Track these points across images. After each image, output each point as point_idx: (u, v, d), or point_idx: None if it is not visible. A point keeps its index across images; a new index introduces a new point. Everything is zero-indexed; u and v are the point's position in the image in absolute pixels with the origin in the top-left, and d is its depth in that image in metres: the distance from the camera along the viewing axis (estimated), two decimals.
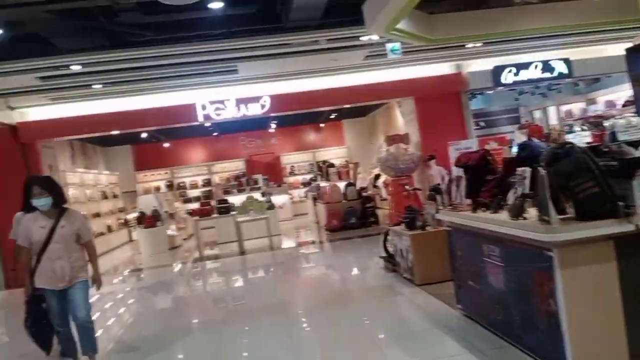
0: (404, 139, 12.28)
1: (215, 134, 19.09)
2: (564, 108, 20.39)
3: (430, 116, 12.09)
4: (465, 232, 4.75)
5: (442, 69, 11.99)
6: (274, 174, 19.95)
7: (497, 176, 4.64)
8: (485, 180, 4.67)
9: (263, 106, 11.60)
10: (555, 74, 11.85)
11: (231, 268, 10.44)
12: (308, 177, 20.04)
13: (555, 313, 3.36)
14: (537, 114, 21.36)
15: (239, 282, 9.15)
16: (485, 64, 11.93)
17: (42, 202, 4.37)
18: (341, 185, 13.50)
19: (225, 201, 12.22)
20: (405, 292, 6.29)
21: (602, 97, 19.12)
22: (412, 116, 12.66)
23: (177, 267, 11.43)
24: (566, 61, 11.86)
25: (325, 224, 13.03)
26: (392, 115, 17.02)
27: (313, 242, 12.59)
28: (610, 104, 18.41)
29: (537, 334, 3.64)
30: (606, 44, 11.90)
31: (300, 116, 19.26)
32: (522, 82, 11.90)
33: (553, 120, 20.34)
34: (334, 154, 20.29)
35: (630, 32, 11.26)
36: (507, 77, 11.81)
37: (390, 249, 7.45)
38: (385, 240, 7.71)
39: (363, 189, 14.95)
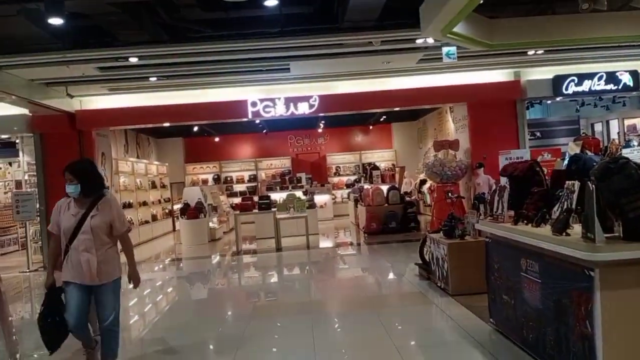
0: (452, 145, 11.95)
1: (264, 131, 19.26)
2: (628, 122, 19.44)
3: (483, 123, 11.72)
4: (504, 245, 4.50)
5: (498, 76, 11.60)
6: (319, 174, 19.94)
7: (544, 189, 4.38)
8: (531, 192, 4.42)
9: (312, 106, 11.58)
10: (621, 86, 11.21)
11: (266, 264, 10.46)
12: (352, 178, 19.90)
13: (591, 336, 3.11)
14: (598, 127, 20.40)
15: (272, 278, 9.14)
16: (545, 73, 11.46)
17: (71, 189, 4.08)
18: (384, 188, 13.29)
19: (267, 197, 12.27)
20: (438, 301, 6.07)
21: None
22: (463, 122, 12.32)
23: (215, 259, 11.57)
24: (633, 73, 11.21)
25: (364, 227, 12.87)
26: (443, 121, 16.64)
27: (350, 244, 12.46)
28: None
29: (570, 356, 3.39)
30: None
31: (349, 117, 19.19)
32: (584, 93, 11.34)
33: (615, 134, 19.39)
34: (381, 157, 20.06)
35: None
36: (569, 87, 11.28)
37: (427, 257, 7.23)
38: (422, 246, 7.49)
39: (407, 193, 14.70)
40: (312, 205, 13.83)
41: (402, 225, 12.69)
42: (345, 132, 20.62)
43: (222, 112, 11.96)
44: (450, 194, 8.20)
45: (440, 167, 11.57)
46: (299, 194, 14.42)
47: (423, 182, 17.60)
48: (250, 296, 7.74)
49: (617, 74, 11.20)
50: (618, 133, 18.11)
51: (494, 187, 11.51)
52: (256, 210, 11.94)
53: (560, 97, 11.76)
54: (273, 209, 11.91)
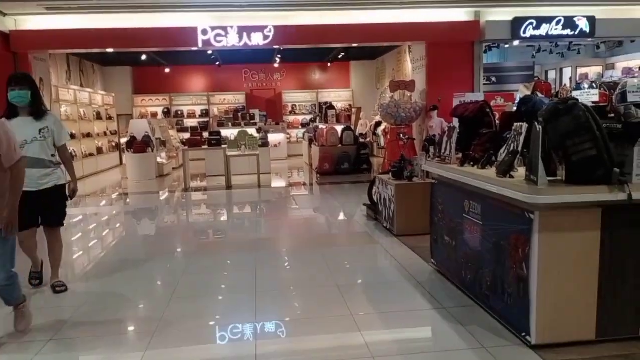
0: (409, 86, 11.78)
1: (217, 63, 18.49)
2: (581, 71, 19.74)
3: (440, 65, 11.55)
4: (449, 186, 4.44)
5: (459, 15, 11.34)
6: (274, 111, 19.51)
7: (492, 130, 4.29)
8: (479, 133, 4.32)
9: (267, 37, 11.03)
10: (577, 32, 11.18)
11: (214, 202, 10.25)
12: (308, 117, 19.58)
13: (526, 278, 3.10)
14: (552, 75, 20.69)
15: (219, 217, 8.96)
16: (505, 14, 11.27)
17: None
18: (339, 128, 13.11)
19: (218, 133, 11.88)
20: (383, 241, 6.07)
21: (621, 64, 18.41)
22: (421, 63, 12.11)
23: (163, 195, 11.25)
24: (590, 19, 11.17)
25: (317, 167, 12.76)
26: (402, 61, 16.38)
27: (302, 184, 12.35)
28: (628, 71, 17.72)
29: (505, 297, 3.41)
30: (634, 4, 11.20)
31: (307, 52, 18.59)
32: (542, 37, 11.27)
33: (568, 81, 19.73)
34: (338, 97, 19.74)
35: None
36: (527, 31, 11.17)
37: (375, 198, 7.18)
38: (371, 188, 7.44)
39: (362, 135, 14.59)
40: (265, 143, 13.54)
41: (354, 167, 12.64)
42: (302, 68, 20.08)
43: (171, 40, 11.25)
44: (402, 136, 8.11)
45: (395, 108, 11.43)
46: (252, 131, 14.05)
47: (378, 124, 17.51)
48: (195, 234, 7.56)
49: (575, 19, 11.14)
50: (570, 79, 18.41)
51: (446, 130, 11.52)
52: (206, 147, 11.56)
53: (518, 41, 11.67)
54: (224, 146, 11.56)
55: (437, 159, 4.79)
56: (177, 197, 10.93)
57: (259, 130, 14.83)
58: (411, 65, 12.68)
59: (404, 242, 5.84)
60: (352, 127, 13.58)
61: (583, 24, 11.14)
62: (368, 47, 18.25)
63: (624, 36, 11.75)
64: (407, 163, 6.60)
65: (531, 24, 11.08)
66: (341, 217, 8.15)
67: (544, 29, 11.11)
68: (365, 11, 10.87)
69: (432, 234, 4.86)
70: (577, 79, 19.36)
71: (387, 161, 11.87)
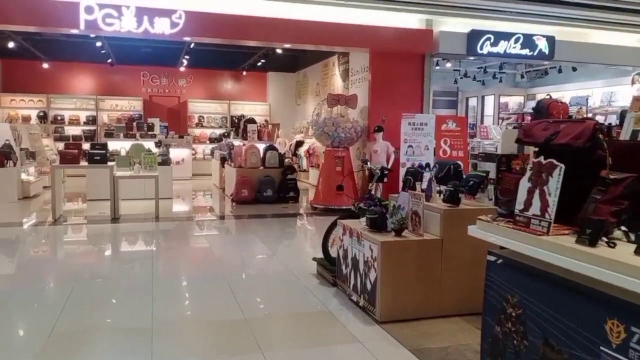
0: (350, 101, 9.79)
1: (109, 61, 15.43)
2: (503, 100, 19.21)
3: (386, 79, 9.71)
4: (547, 281, 2.35)
5: (409, 21, 9.59)
6: (177, 123, 16.80)
7: (631, 176, 2.28)
8: (600, 178, 2.30)
9: (175, 24, 8.47)
10: (536, 52, 9.89)
11: (85, 245, 7.40)
12: (218, 132, 17.04)
13: None
14: (473, 102, 20.06)
15: (92, 258, 6.22)
16: (459, 26, 9.71)
17: None
18: (261, 147, 10.81)
19: (103, 146, 9.02)
20: (359, 333, 3.80)
21: (543, 95, 18.02)
22: (362, 75, 10.20)
23: (26, 224, 8.22)
24: (549, 40, 9.95)
25: (233, 194, 10.32)
26: (329, 75, 14.49)
27: (216, 217, 9.78)
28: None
29: None
30: (591, 27, 10.19)
31: (220, 57, 16.25)
32: (500, 55, 9.83)
33: (489, 110, 19.15)
34: (253, 110, 17.41)
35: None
36: (484, 46, 9.67)
37: (335, 252, 4.98)
38: (327, 235, 5.24)
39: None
40: (166, 161, 10.85)
41: (279, 195, 10.38)
42: (213, 75, 17.56)
43: (44, 17, 8.28)
44: (363, 163, 5.85)
45: (333, 127, 9.38)
46: (150, 145, 11.31)
47: (299, 143, 15.47)
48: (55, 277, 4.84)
49: (535, 38, 9.87)
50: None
51: (392, 156, 9.71)
52: (85, 164, 8.67)
53: (474, 57, 10.18)
54: (111, 163, 8.77)
55: (506, 220, 2.67)
56: (45, 228, 7.94)
57: (158, 144, 12.09)
58: (341, 80, 10.75)
59: (396, 337, 3.68)
60: (275, 146, 11.34)
61: (542, 45, 9.90)
62: (289, 57, 16.28)
63: (582, 61, 10.71)
64: (380, 205, 4.52)
65: (489, 39, 9.63)
66: (278, 275, 5.67)
67: (501, 46, 9.71)
68: (301, 5, 8.75)
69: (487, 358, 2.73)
70: (499, 108, 18.83)
71: (321, 190, 9.76)
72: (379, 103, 9.72)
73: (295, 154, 15.17)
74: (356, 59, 10.51)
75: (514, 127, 6.68)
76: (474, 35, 9.61)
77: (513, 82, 18.91)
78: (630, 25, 10.10)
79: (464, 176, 4.39)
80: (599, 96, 15.45)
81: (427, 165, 9.60)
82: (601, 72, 13.87)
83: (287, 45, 9.56)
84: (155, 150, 10.81)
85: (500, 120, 18.28)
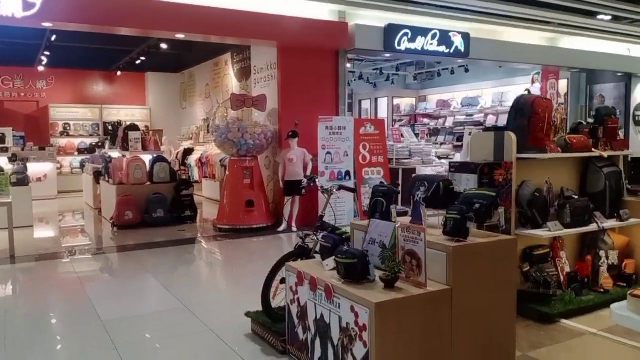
0: (258, 102, 8.37)
1: None
2: (395, 102, 19.03)
3: (297, 77, 8.46)
4: None
5: (320, 12, 8.42)
6: (37, 132, 14.09)
7: None
8: None
9: (31, 5, 6.44)
10: (453, 50, 9.27)
11: None
12: (89, 141, 14.58)
13: None
14: (366, 104, 19.72)
15: None
16: (374, 20, 8.76)
17: None
18: (146, 159, 8.96)
19: None
20: None
21: (435, 96, 18.05)
22: (268, 73, 8.83)
23: None
24: (465, 36, 9.38)
25: (114, 216, 8.38)
26: (221, 75, 12.94)
27: (89, 248, 7.72)
28: (443, 104, 17.33)
29: None
30: (504, 25, 9.86)
31: (89, 55, 13.88)
32: (418, 52, 9.02)
33: (383, 112, 18.90)
34: (130, 115, 15.19)
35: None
36: (402, 42, 8.81)
37: (284, 306, 3.56)
38: (269, 282, 3.79)
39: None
40: (23, 180, 8.56)
41: (173, 215, 8.65)
42: (80, 76, 15.05)
43: None
44: (307, 180, 4.41)
45: (239, 132, 7.89)
46: (1, 161, 8.91)
47: (188, 151, 13.71)
48: None
49: (451, 34, 9.24)
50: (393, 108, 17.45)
51: (310, 164, 8.46)
52: None
53: (391, 54, 9.29)
54: None
55: None
56: None
57: (13, 159, 9.67)
58: (253, 75, 9.30)
59: None
60: (164, 157, 9.52)
61: (458, 42, 9.31)
62: (171, 55, 14.38)
63: (496, 59, 10.32)
64: (340, 237, 3.25)
65: (406, 34, 8.80)
66: (198, 343, 3.97)
67: (419, 42, 8.93)
68: None
69: None
70: (393, 110, 18.57)
71: (226, 206, 8.22)
72: (291, 105, 8.44)
73: (183, 164, 13.35)
74: (260, 55, 9.12)
75: (486, 129, 5.74)
76: (391, 30, 8.72)
77: (404, 84, 18.76)
78: (538, 22, 9.93)
79: (461, 197, 3.26)
80: (489, 96, 15.67)
81: (348, 173, 8.59)
82: (491, 72, 13.96)
83: (180, 36, 7.85)
84: (7, 167, 8.49)
85: (394, 122, 18.01)
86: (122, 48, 13.77)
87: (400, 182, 9.28)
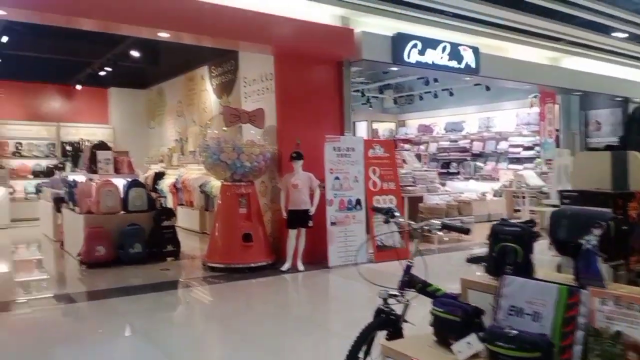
0: (256, 118, 7.26)
1: None
2: (374, 126, 18.29)
3: (297, 90, 7.44)
4: None
5: (321, 15, 7.46)
6: None
7: None
8: None
9: None
10: (463, 65, 8.50)
11: None
12: (45, 163, 13.03)
13: None
14: None
15: None
16: (380, 28, 7.87)
17: None
18: (119, 183, 7.66)
19: None
20: None
21: (414, 121, 17.37)
22: (262, 86, 7.75)
23: None
24: (475, 51, 8.66)
25: (81, 252, 7.02)
26: (196, 90, 11.80)
27: (53, 295, 6.30)
28: (425, 129, 16.67)
29: None
30: (512, 42, 9.20)
31: (43, 67, 12.46)
32: (428, 66, 8.17)
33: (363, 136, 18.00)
34: (92, 134, 13.73)
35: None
36: (411, 55, 7.96)
37: None
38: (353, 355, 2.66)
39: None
40: None
41: (152, 250, 7.36)
42: (34, 90, 13.50)
43: None
44: (389, 215, 3.21)
45: (234, 153, 6.76)
46: None
47: (159, 175, 12.33)
48: None
49: (461, 48, 8.48)
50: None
51: (317, 191, 7.39)
52: None
53: (398, 67, 8.39)
54: None
55: None
56: None
57: None
58: (243, 89, 8.19)
59: None
60: (140, 180, 8.24)
61: (469, 57, 8.56)
62: (137, 69, 13.14)
63: (505, 78, 9.58)
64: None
65: (415, 45, 7.96)
66: None
67: (429, 56, 8.11)
68: None
69: None
70: (372, 134, 17.68)
71: (218, 239, 7.00)
72: (290, 122, 7.38)
73: (154, 189, 12.00)
74: (251, 65, 8.05)
75: (592, 148, 4.86)
76: (400, 40, 7.86)
77: (381, 107, 17.97)
78: (548, 38, 9.32)
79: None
80: (474, 121, 15.07)
81: (358, 202, 7.57)
82: (476, 96, 13.36)
83: (163, 35, 6.63)
84: None
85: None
86: (82, 59, 12.44)
87: (406, 212, 8.31)
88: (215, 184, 9.39)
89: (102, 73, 12.26)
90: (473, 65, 8.63)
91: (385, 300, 2.69)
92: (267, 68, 7.54)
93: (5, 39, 9.51)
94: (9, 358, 4.11)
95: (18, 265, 7.95)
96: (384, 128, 18.14)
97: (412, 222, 2.88)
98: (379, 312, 2.72)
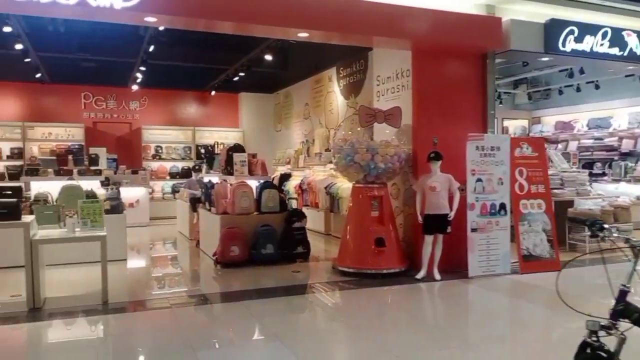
0: (392, 116, 6.89)
1: (39, 75, 12.06)
2: (505, 124, 16.97)
3: (436, 86, 6.91)
4: None
5: (463, 5, 6.88)
6: (130, 154, 13.47)
7: None
8: None
9: None
10: (627, 51, 7.40)
11: None
12: (180, 165, 13.81)
13: None
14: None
15: None
16: (529, 15, 7.08)
17: None
18: (253, 184, 7.71)
19: (16, 191, 5.68)
20: None
21: (551, 117, 15.84)
22: (396, 84, 7.33)
23: None
24: None
25: (217, 252, 7.13)
26: (323, 93, 11.73)
27: (193, 293, 6.44)
28: (563, 126, 15.09)
29: None
30: None
31: (182, 74, 13.22)
32: (585, 54, 7.22)
33: None
34: (224, 138, 14.27)
35: None
36: (566, 42, 7.07)
37: None
38: None
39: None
40: (117, 207, 7.56)
41: (283, 251, 7.29)
42: (172, 97, 14.39)
43: None
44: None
45: (368, 154, 6.43)
46: (94, 185, 7.98)
47: (285, 177, 12.45)
48: None
49: (624, 33, 7.39)
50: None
51: (457, 194, 6.83)
52: None
53: (551, 56, 7.51)
54: (28, 218, 5.44)
55: None
56: None
57: (106, 183, 8.78)
58: (376, 87, 7.85)
59: None
60: (273, 182, 8.26)
61: (633, 42, 7.44)
62: (266, 75, 13.41)
63: None
64: None
65: (572, 32, 7.06)
66: None
67: (587, 43, 7.16)
68: None
69: None
70: (503, 132, 16.44)
71: (350, 242, 6.71)
72: (427, 120, 6.87)
73: (280, 191, 12.13)
74: (385, 62, 7.68)
75: None
76: (555, 27, 7.00)
77: (512, 103, 16.66)
78: None
79: None
80: (624, 117, 13.36)
81: (503, 207, 6.85)
82: (626, 88, 11.73)
83: (303, 34, 6.50)
84: (100, 192, 7.53)
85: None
86: (219, 67, 12.99)
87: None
88: (340, 185, 9.16)
89: (235, 79, 12.68)
90: (638, 51, 7.47)
91: (594, 332, 2.14)
92: (403, 64, 7.11)
93: (151, 48, 10.10)
94: (152, 356, 4.11)
95: (161, 263, 8.33)
96: (515, 125, 16.81)
97: (633, 239, 2.26)
98: (584, 345, 2.17)
